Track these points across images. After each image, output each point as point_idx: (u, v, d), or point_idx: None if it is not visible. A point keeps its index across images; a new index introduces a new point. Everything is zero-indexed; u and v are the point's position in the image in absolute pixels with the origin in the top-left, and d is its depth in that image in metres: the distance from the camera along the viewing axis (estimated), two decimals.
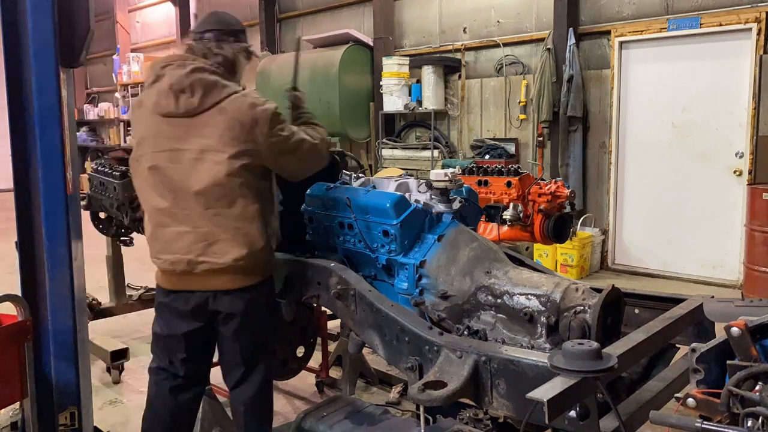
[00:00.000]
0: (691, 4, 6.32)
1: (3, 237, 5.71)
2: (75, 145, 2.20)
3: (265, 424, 2.68)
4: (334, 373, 3.99)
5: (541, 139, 7.44)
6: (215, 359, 2.72)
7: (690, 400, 1.46)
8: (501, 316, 2.37)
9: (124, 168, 4.12)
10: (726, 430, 1.33)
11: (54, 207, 2.11)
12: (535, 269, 2.66)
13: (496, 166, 3.68)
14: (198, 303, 2.50)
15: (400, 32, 8.94)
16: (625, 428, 1.75)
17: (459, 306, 2.44)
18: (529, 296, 2.30)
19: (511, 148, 7.71)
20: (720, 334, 1.53)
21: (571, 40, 6.90)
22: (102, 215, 4.71)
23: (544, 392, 1.58)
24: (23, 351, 2.08)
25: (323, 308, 3.38)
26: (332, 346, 3.98)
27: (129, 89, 14.10)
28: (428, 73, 8.16)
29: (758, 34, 5.87)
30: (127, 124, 14.48)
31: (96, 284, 5.36)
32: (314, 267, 2.74)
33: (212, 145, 2.39)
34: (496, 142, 7.82)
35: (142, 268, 6.65)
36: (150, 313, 5.43)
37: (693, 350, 1.52)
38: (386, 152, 8.69)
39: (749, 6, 5.96)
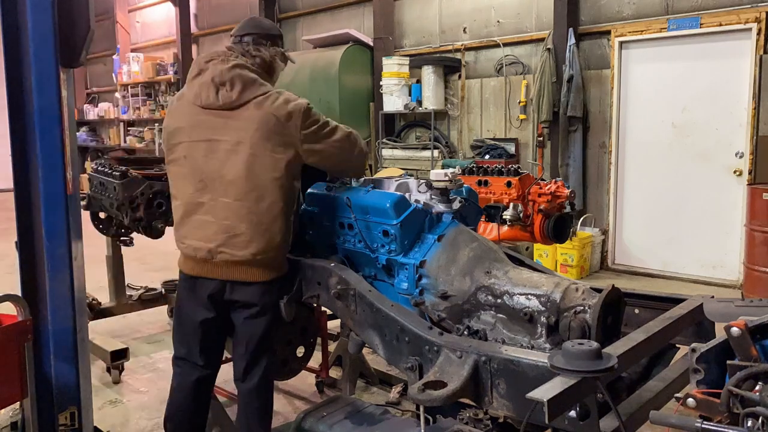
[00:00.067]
0: (691, 4, 6.33)
1: (3, 237, 5.71)
2: (75, 145, 2.20)
3: (263, 421, 2.72)
4: (334, 373, 3.99)
5: (541, 139, 7.45)
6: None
7: (690, 400, 1.46)
8: (501, 316, 2.36)
9: (123, 168, 4.12)
10: (726, 430, 1.33)
11: (54, 207, 2.11)
12: (535, 269, 2.65)
13: (496, 166, 3.67)
14: (214, 291, 2.62)
15: (400, 32, 8.95)
16: (625, 428, 1.75)
17: (459, 306, 2.44)
18: (529, 296, 2.30)
19: (511, 148, 7.71)
20: (720, 334, 1.53)
21: (571, 40, 6.91)
22: (102, 215, 4.71)
23: (544, 392, 1.58)
24: (23, 351, 2.08)
25: (323, 308, 3.37)
26: (332, 346, 3.98)
27: (129, 89, 14.11)
28: (428, 73, 8.17)
29: (758, 34, 5.88)
30: (127, 124, 14.50)
31: (96, 284, 5.36)
32: (314, 267, 2.74)
33: (248, 138, 2.50)
34: (496, 142, 7.82)
35: (142, 268, 6.67)
36: (150, 313, 5.48)
37: (693, 350, 1.52)
38: (386, 152, 8.70)
39: (749, 6, 5.97)
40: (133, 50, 14.31)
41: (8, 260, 5.96)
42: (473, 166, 3.79)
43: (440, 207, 2.68)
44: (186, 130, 2.60)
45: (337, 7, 9.76)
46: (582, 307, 2.20)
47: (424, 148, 8.36)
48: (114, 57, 14.47)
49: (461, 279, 2.45)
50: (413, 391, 1.97)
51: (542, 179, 3.60)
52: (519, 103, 7.66)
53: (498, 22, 7.87)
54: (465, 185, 2.92)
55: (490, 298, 2.39)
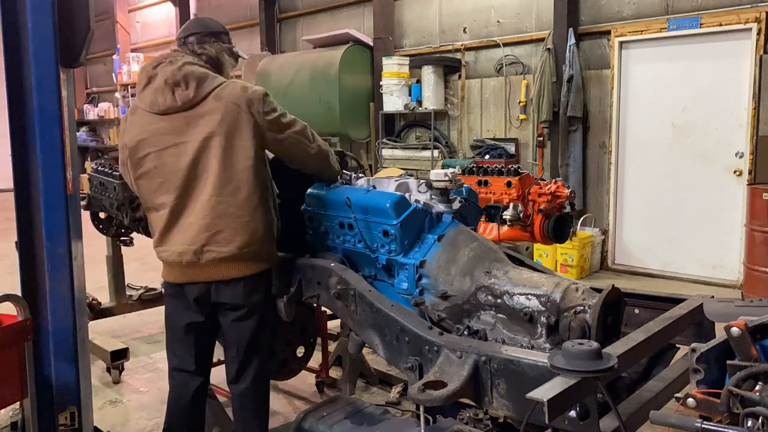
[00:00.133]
0: (691, 4, 6.33)
1: (3, 237, 5.72)
2: (75, 145, 2.20)
3: (259, 422, 2.71)
4: (334, 373, 3.99)
5: (541, 139, 7.44)
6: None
7: (690, 400, 1.46)
8: (501, 316, 2.36)
9: None
10: (726, 430, 1.33)
11: (54, 207, 2.11)
12: (535, 269, 2.65)
13: (496, 166, 3.67)
14: (200, 294, 2.59)
15: (400, 32, 8.94)
16: (625, 428, 1.75)
17: (459, 306, 2.44)
18: (529, 296, 2.30)
19: (511, 148, 7.71)
20: (720, 334, 1.53)
21: (571, 40, 6.91)
22: (102, 215, 4.71)
23: (544, 392, 1.58)
24: (23, 351, 2.08)
25: (323, 308, 3.37)
26: (332, 346, 3.98)
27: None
28: (428, 73, 8.16)
29: (758, 34, 5.87)
30: None
31: (96, 284, 5.36)
32: (314, 267, 2.74)
33: (214, 131, 2.47)
34: (496, 142, 7.82)
35: (142, 268, 6.67)
36: (150, 313, 5.48)
37: (693, 350, 1.52)
38: (386, 152, 8.69)
39: (749, 6, 5.97)
40: (133, 50, 14.30)
41: (8, 260, 5.96)
42: (473, 166, 3.79)
43: (440, 207, 2.67)
44: (150, 140, 2.53)
45: (337, 7, 9.76)
46: (582, 307, 2.20)
47: (424, 148, 8.36)
48: (114, 57, 14.46)
49: (461, 279, 2.45)
50: (413, 391, 1.97)
51: (542, 179, 3.60)
52: (519, 103, 7.66)
53: (498, 22, 7.87)
54: (465, 185, 2.92)
55: (490, 298, 2.39)
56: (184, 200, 2.52)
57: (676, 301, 2.43)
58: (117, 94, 14.56)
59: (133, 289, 5.17)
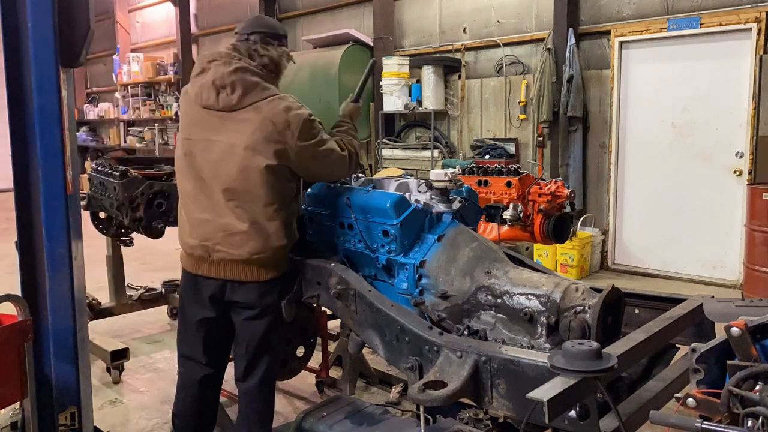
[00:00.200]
0: (691, 4, 6.33)
1: (3, 237, 5.73)
2: (75, 145, 2.20)
3: (263, 421, 2.72)
4: (334, 373, 3.99)
5: (541, 139, 7.44)
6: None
7: (690, 400, 1.45)
8: (501, 316, 2.36)
9: (123, 168, 4.11)
10: (726, 430, 1.33)
11: (54, 207, 2.11)
12: (535, 269, 2.65)
13: (496, 166, 3.67)
14: (215, 291, 2.63)
15: (400, 32, 8.94)
16: (625, 428, 1.75)
17: (459, 306, 2.44)
18: (529, 296, 2.30)
19: (511, 148, 7.71)
20: (720, 334, 1.53)
21: (571, 40, 6.91)
22: (102, 215, 4.71)
23: (544, 392, 1.58)
24: (23, 351, 2.07)
25: (323, 308, 3.37)
26: (332, 346, 3.98)
27: (129, 89, 14.11)
28: (428, 73, 8.16)
29: (758, 34, 5.88)
30: (127, 124, 14.51)
31: (96, 284, 5.36)
32: (314, 267, 2.74)
33: (243, 141, 2.49)
34: (496, 142, 7.82)
35: (142, 268, 6.67)
36: (150, 313, 5.48)
37: (693, 350, 1.52)
38: (386, 152, 8.69)
39: (749, 6, 5.97)
40: (133, 50, 14.31)
41: (8, 260, 5.96)
42: (473, 166, 3.79)
43: (440, 207, 2.67)
44: (188, 127, 2.62)
45: (337, 7, 9.76)
46: (582, 307, 2.20)
47: (424, 148, 8.36)
48: (114, 57, 14.48)
49: (461, 279, 2.45)
50: (413, 391, 1.97)
51: (542, 179, 3.60)
52: (519, 103, 7.66)
53: (498, 22, 7.87)
54: (465, 185, 2.92)
55: (490, 298, 2.39)
56: (202, 194, 2.57)
57: (676, 301, 2.43)
58: (117, 94, 14.57)
59: (133, 289, 5.17)
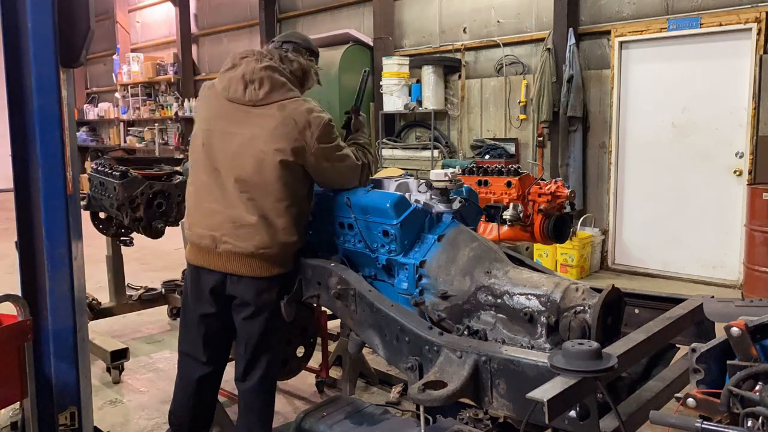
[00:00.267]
0: (691, 4, 6.33)
1: (3, 237, 5.73)
2: (75, 145, 2.20)
3: (263, 421, 2.73)
4: (334, 373, 3.99)
5: (541, 139, 7.45)
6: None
7: (690, 400, 1.45)
8: (501, 316, 2.36)
9: (123, 168, 4.12)
10: (726, 430, 1.33)
11: (54, 207, 2.11)
12: (535, 269, 2.65)
13: (496, 166, 3.67)
14: (216, 285, 2.65)
15: (400, 32, 8.95)
16: (625, 428, 1.75)
17: (459, 306, 2.44)
18: (529, 296, 2.30)
19: (511, 148, 7.71)
20: (720, 334, 1.53)
21: (571, 40, 6.91)
22: (102, 215, 4.71)
23: (544, 392, 1.58)
24: (23, 351, 2.08)
25: (323, 308, 3.37)
26: (332, 346, 3.98)
27: (129, 89, 14.12)
28: (428, 73, 8.16)
29: (758, 34, 5.88)
30: (127, 124, 14.51)
31: (96, 284, 5.37)
32: (314, 267, 2.74)
33: (262, 136, 2.54)
34: (496, 142, 7.82)
35: (142, 268, 6.67)
36: (150, 313, 5.48)
37: (693, 350, 1.52)
38: (386, 152, 8.70)
39: (749, 6, 5.97)
40: (133, 50, 14.32)
41: (8, 260, 5.96)
42: (473, 166, 3.79)
43: (440, 207, 2.67)
44: (210, 119, 2.67)
45: (337, 7, 9.76)
46: (582, 307, 2.20)
47: (424, 148, 8.36)
48: (114, 57, 14.48)
49: (461, 279, 2.45)
50: (413, 391, 1.97)
51: (542, 179, 3.60)
52: (519, 103, 7.66)
53: (498, 22, 7.87)
54: (465, 185, 2.92)
55: (490, 298, 2.39)
56: (215, 185, 2.60)
57: (676, 301, 2.43)
58: (117, 94, 14.57)
59: (133, 289, 5.17)
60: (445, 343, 2.11)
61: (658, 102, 6.67)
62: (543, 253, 6.78)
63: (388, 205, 2.57)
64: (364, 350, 3.25)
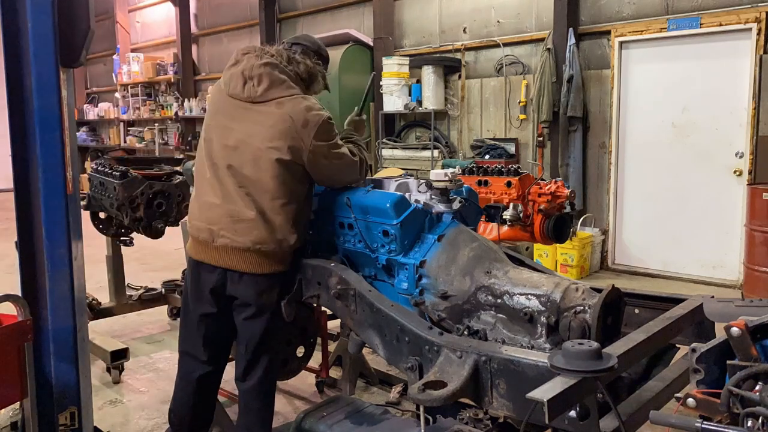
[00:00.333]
0: (691, 4, 6.33)
1: (3, 237, 5.73)
2: (75, 145, 2.19)
3: (263, 422, 2.73)
4: (334, 373, 3.99)
5: (541, 139, 7.45)
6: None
7: (690, 400, 1.45)
8: (501, 316, 2.36)
9: (123, 168, 4.12)
10: (726, 430, 1.33)
11: (54, 207, 2.11)
12: (535, 269, 2.65)
13: (496, 166, 3.67)
14: (216, 284, 2.64)
15: (400, 32, 8.94)
16: (625, 428, 1.75)
17: (459, 306, 2.44)
18: (529, 296, 2.30)
19: (511, 148, 7.71)
20: (720, 334, 1.53)
21: (571, 40, 6.91)
22: (102, 215, 4.72)
23: (544, 392, 1.58)
24: (23, 351, 2.08)
25: (323, 308, 3.37)
26: (332, 346, 3.98)
27: (129, 89, 14.12)
28: (428, 73, 8.16)
29: (758, 34, 5.88)
30: (127, 124, 14.53)
31: (96, 284, 5.37)
32: (314, 267, 2.74)
33: (260, 133, 2.54)
34: (496, 142, 7.82)
35: (142, 268, 6.67)
36: (150, 313, 5.48)
37: (693, 350, 1.52)
38: (386, 152, 8.69)
39: (749, 6, 5.97)
40: (133, 50, 14.32)
41: (8, 260, 5.96)
42: (473, 166, 3.79)
43: (440, 207, 2.67)
44: (213, 115, 2.70)
45: (337, 7, 9.76)
46: (582, 307, 2.20)
47: (424, 148, 8.36)
48: (114, 57, 14.48)
49: (461, 279, 2.45)
50: (413, 391, 1.97)
51: (542, 179, 3.60)
52: (519, 103, 7.66)
53: (498, 22, 7.87)
54: (465, 185, 2.92)
55: (490, 298, 2.39)
56: (215, 179, 2.61)
57: (676, 301, 2.43)
58: (117, 94, 14.57)
59: (133, 289, 5.17)
60: (445, 343, 2.11)
61: (658, 102, 6.67)
62: (543, 253, 6.78)
63: (388, 205, 2.57)
64: (364, 350, 3.25)
